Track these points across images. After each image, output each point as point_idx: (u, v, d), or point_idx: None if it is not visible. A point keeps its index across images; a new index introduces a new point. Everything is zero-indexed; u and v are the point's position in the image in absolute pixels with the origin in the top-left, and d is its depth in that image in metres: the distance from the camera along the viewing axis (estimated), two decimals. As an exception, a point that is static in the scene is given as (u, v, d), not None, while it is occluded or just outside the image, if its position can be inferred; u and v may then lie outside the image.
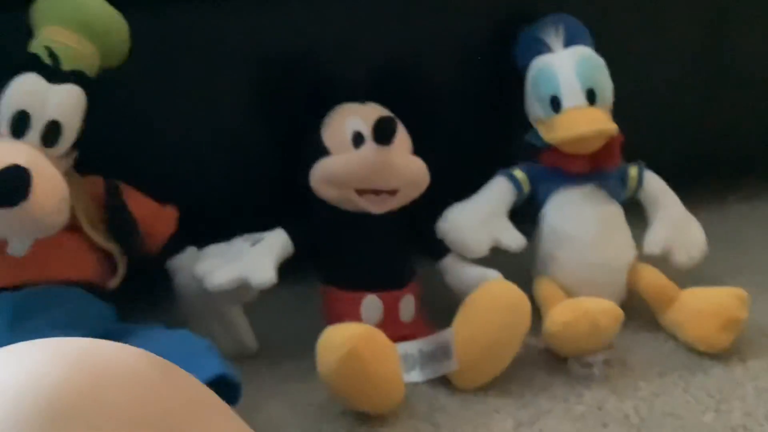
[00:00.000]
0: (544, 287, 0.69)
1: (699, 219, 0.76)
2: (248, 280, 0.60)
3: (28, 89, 0.56)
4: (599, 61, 0.69)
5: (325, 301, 0.67)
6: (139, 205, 0.64)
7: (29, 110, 0.55)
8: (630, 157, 0.72)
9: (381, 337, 0.58)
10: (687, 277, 0.72)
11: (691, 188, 0.82)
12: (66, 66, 0.57)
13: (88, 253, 0.60)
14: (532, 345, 0.65)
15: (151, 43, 0.63)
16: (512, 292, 0.62)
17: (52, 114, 0.56)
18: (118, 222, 0.62)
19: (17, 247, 0.57)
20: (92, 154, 0.60)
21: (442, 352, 0.61)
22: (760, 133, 0.94)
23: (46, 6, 0.59)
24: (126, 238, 0.61)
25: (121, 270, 0.62)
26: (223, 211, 0.71)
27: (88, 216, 0.60)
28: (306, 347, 0.58)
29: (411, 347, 0.62)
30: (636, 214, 0.73)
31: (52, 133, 0.56)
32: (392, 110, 0.68)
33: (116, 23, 0.61)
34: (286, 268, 0.64)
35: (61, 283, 0.58)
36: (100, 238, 0.60)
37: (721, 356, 0.64)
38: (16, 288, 0.56)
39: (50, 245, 0.58)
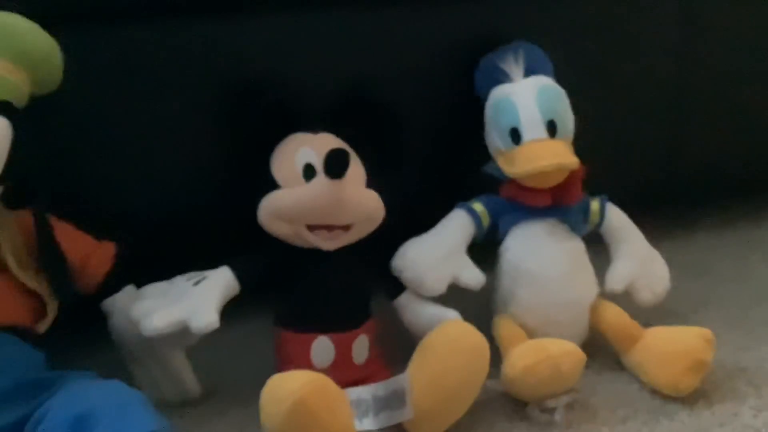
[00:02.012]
0: (504, 326, 0.66)
1: (664, 248, 0.73)
2: (188, 324, 0.57)
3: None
4: (560, 92, 0.67)
5: (275, 343, 0.63)
6: (73, 240, 0.59)
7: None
8: (593, 183, 0.70)
9: (330, 385, 0.55)
10: (651, 311, 0.70)
11: (656, 216, 0.81)
12: (-7, 96, 0.53)
13: (16, 294, 0.56)
14: (491, 388, 0.62)
15: (86, 67, 0.59)
16: (471, 335, 0.58)
17: None
18: (48, 259, 0.57)
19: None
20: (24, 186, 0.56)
21: (397, 399, 0.58)
22: (727, 160, 0.92)
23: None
24: (55, 278, 0.57)
25: (51, 312, 0.57)
26: (166, 246, 0.67)
27: (16, 254, 0.56)
28: (254, 392, 0.54)
29: (364, 392, 0.59)
30: (593, 246, 0.71)
31: (-27, 169, 0.52)
32: (347, 139, 0.65)
33: (51, 50, 0.57)
34: (234, 307, 0.60)
35: (-16, 327, 0.54)
36: (28, 278, 0.56)
37: (686, 400, 0.62)
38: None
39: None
